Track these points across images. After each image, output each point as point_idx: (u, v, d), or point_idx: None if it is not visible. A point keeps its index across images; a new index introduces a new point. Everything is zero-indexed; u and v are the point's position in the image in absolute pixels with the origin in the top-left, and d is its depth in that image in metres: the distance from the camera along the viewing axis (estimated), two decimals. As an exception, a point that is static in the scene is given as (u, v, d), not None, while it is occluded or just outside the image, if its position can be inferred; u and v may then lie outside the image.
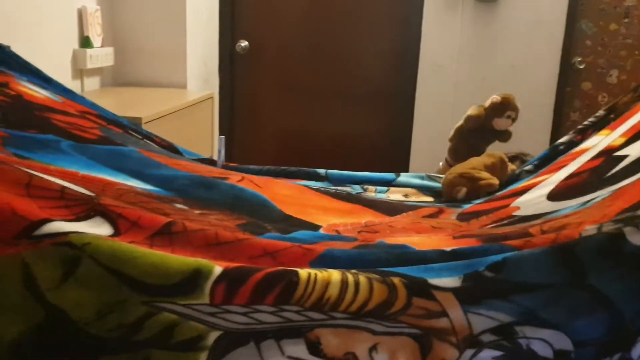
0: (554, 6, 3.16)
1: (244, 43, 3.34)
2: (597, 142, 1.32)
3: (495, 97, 1.68)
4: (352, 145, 3.49)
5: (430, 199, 1.43)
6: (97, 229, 0.79)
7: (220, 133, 3.41)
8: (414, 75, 3.30)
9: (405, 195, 1.41)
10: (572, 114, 3.34)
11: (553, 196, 1.16)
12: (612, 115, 1.42)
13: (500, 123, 1.68)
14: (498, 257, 0.76)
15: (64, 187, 0.82)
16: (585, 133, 1.44)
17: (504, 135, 1.71)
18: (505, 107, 1.67)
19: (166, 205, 0.97)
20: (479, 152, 1.58)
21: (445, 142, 3.30)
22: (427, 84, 3.29)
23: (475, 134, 1.70)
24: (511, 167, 1.53)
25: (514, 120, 1.69)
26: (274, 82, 3.46)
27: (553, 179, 1.23)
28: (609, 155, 1.20)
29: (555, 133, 3.24)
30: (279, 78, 3.45)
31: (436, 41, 3.24)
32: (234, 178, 1.20)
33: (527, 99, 3.26)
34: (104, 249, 0.73)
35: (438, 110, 3.30)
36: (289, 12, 3.36)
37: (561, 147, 1.45)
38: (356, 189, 1.41)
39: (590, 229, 0.80)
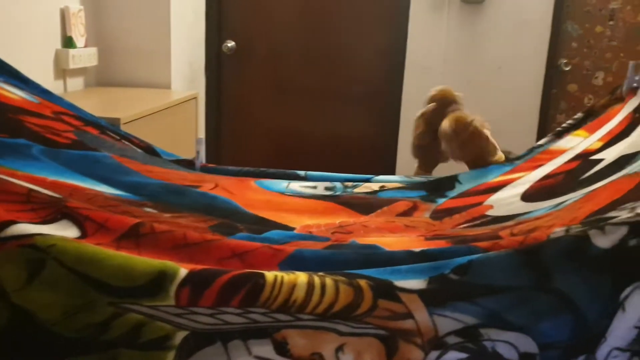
0: (540, 8, 3.18)
1: (231, 43, 3.34)
2: (575, 144, 1.33)
3: (425, 109, 1.59)
4: (341, 145, 3.49)
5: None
6: (63, 231, 0.79)
7: (207, 134, 3.40)
8: (401, 77, 3.31)
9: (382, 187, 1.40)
10: (559, 115, 3.36)
11: (527, 197, 1.17)
12: (589, 118, 1.43)
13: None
14: (464, 260, 0.76)
15: (30, 190, 0.82)
16: (562, 136, 1.45)
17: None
18: (441, 108, 1.59)
19: (135, 208, 0.97)
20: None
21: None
22: (413, 86, 3.29)
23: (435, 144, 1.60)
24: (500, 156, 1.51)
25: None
26: (262, 82, 3.46)
27: (528, 178, 1.24)
28: (585, 159, 1.21)
29: (541, 134, 3.25)
30: (267, 78, 3.45)
31: (422, 43, 3.25)
32: (207, 186, 1.20)
33: (513, 101, 3.29)
34: (69, 250, 0.73)
35: (424, 111, 3.31)
36: (276, 12, 3.36)
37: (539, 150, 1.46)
38: (335, 183, 1.40)
39: (558, 232, 0.80)
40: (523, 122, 3.27)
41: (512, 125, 3.19)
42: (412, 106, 3.31)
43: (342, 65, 3.40)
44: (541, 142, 1.50)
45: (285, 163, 3.55)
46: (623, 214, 0.79)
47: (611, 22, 3.23)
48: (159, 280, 0.73)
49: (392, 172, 3.32)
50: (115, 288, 0.73)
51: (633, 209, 0.81)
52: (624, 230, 0.75)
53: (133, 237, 0.82)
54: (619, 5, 3.20)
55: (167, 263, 0.74)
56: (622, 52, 3.24)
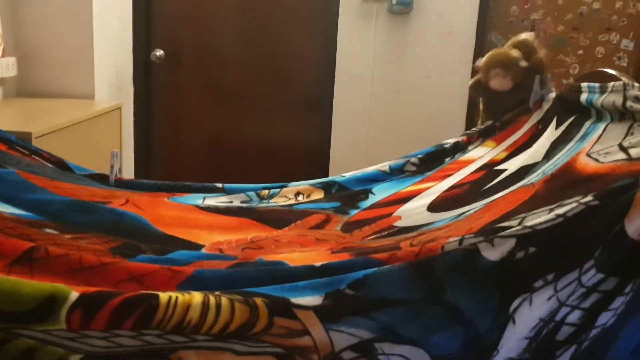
0: (465, 18, 3.26)
1: (160, 52, 3.29)
2: (483, 153, 1.37)
3: (477, 63, 1.59)
4: (275, 152, 3.49)
5: (320, 194, 1.42)
6: None
7: (136, 144, 3.34)
8: (332, 84, 3.33)
9: (297, 195, 1.40)
10: (484, 122, 3.45)
11: (433, 207, 1.19)
12: (497, 124, 1.48)
13: (494, 84, 1.55)
14: (359, 275, 0.77)
15: None
16: (471, 137, 1.49)
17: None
18: (487, 68, 1.57)
19: (34, 230, 0.94)
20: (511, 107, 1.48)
21: (361, 151, 3.35)
22: (344, 94, 3.33)
23: (492, 96, 1.57)
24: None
25: (507, 74, 1.53)
26: (193, 90, 3.42)
27: (436, 189, 1.27)
28: (490, 169, 1.25)
29: (468, 141, 3.34)
30: (198, 86, 3.41)
31: (351, 51, 3.28)
32: (117, 202, 1.18)
33: (440, 108, 3.36)
34: None
35: (354, 119, 3.34)
36: (206, 21, 3.33)
37: (446, 146, 1.49)
38: (251, 195, 1.40)
39: (452, 242, 0.82)
40: (450, 129, 3.34)
41: (440, 131, 3.25)
42: (343, 114, 3.35)
43: (274, 72, 3.40)
44: (449, 140, 1.52)
45: (218, 171, 3.53)
46: (513, 225, 0.82)
47: (532, 33, 3.34)
48: (49, 304, 0.71)
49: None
50: (3, 313, 0.71)
51: (522, 220, 0.84)
52: (511, 243, 0.78)
53: (26, 261, 0.80)
54: (539, 17, 3.32)
55: (57, 286, 0.72)
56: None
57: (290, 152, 3.50)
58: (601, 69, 1.16)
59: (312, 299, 0.76)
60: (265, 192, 1.40)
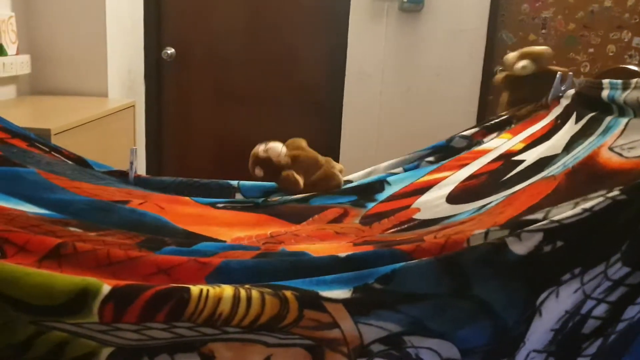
0: (476, 16, 3.27)
1: (170, 50, 3.30)
2: (499, 144, 1.38)
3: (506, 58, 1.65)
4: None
5: None
6: None
7: (147, 142, 3.36)
8: (342, 83, 3.34)
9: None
10: (495, 121, 3.45)
11: (452, 198, 1.19)
12: (514, 121, 1.48)
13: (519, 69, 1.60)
14: (387, 269, 0.78)
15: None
16: (485, 131, 1.49)
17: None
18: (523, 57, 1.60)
19: (59, 228, 0.95)
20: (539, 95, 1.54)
21: (371, 150, 3.35)
22: (354, 92, 3.34)
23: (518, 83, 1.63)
24: (339, 168, 1.50)
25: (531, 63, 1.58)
26: (203, 89, 3.43)
27: (453, 179, 1.27)
28: (507, 159, 1.25)
29: (478, 139, 3.34)
30: (208, 85, 3.43)
31: (362, 50, 3.29)
32: (136, 201, 1.18)
33: (451, 107, 3.36)
34: None
35: (365, 118, 3.35)
36: (216, 19, 3.34)
37: (457, 138, 1.50)
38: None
39: (477, 234, 0.83)
40: (461, 127, 3.32)
41: (451, 129, 3.24)
42: (354, 112, 3.36)
43: (284, 71, 3.41)
44: (463, 133, 1.54)
45: (227, 170, 3.53)
46: (539, 219, 0.82)
47: (543, 31, 3.34)
48: (82, 297, 0.72)
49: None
50: (36, 307, 0.71)
51: (547, 214, 0.84)
52: (539, 237, 0.78)
53: (55, 257, 0.80)
54: (550, 15, 3.32)
55: (89, 279, 0.73)
56: (555, 60, 3.35)
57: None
58: (623, 66, 1.16)
59: (341, 292, 0.76)
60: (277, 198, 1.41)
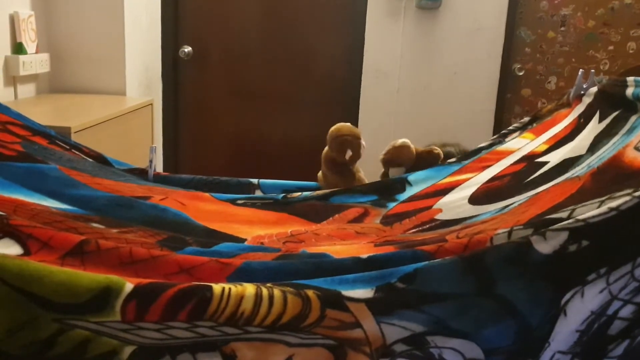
0: (494, 14, 3.24)
1: (188, 48, 3.31)
2: (521, 145, 1.36)
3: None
4: (301, 149, 3.50)
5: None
6: (5, 250, 0.78)
7: (165, 140, 3.37)
8: (359, 82, 3.33)
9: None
10: (513, 119, 3.43)
11: (474, 199, 1.18)
12: (537, 121, 1.46)
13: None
14: (410, 268, 0.77)
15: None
16: (508, 137, 1.48)
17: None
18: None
19: (82, 224, 0.96)
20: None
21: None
22: (370, 90, 3.32)
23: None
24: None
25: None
26: (220, 87, 3.44)
27: (476, 180, 1.26)
28: (530, 161, 1.24)
29: (496, 138, 3.32)
30: (225, 83, 3.43)
31: (379, 48, 3.28)
32: (157, 197, 1.19)
33: (468, 105, 3.34)
34: (10, 268, 0.71)
35: (381, 116, 3.34)
36: (233, 17, 3.35)
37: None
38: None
39: (500, 234, 0.82)
40: (478, 126, 3.33)
41: (468, 129, 3.24)
42: (370, 111, 3.35)
43: (301, 69, 3.41)
44: (485, 143, 1.53)
45: (244, 168, 3.54)
46: (563, 217, 0.81)
47: (562, 28, 3.31)
48: (104, 296, 0.72)
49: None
50: (59, 304, 0.72)
51: (572, 213, 0.83)
52: (564, 236, 0.77)
53: (78, 254, 0.81)
54: (570, 12, 3.29)
55: (113, 278, 0.73)
56: (574, 58, 3.32)
57: (316, 149, 3.49)
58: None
59: (364, 292, 0.76)
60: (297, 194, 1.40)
